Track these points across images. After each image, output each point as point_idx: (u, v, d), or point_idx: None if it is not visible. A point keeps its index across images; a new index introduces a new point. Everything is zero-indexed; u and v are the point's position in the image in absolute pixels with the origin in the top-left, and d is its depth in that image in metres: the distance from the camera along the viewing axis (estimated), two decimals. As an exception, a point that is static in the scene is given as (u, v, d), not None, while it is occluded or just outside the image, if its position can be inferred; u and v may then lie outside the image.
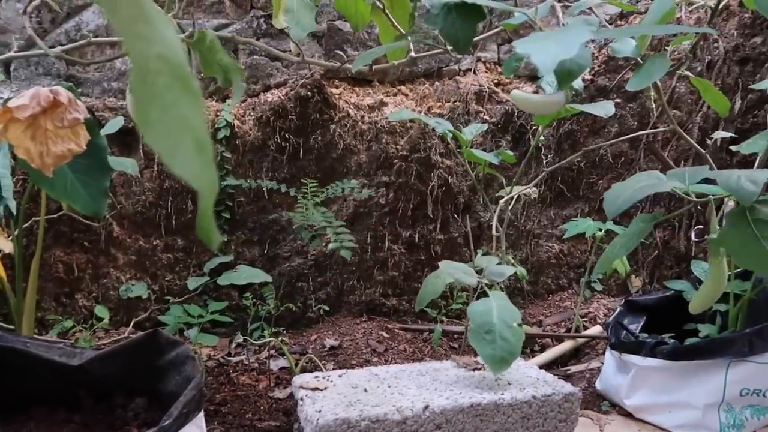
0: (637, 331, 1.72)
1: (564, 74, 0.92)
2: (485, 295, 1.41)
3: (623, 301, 1.80)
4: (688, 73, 1.50)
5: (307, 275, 2.26)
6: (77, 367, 1.32)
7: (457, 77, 2.43)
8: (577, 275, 2.47)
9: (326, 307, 2.26)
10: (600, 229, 1.96)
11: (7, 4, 2.05)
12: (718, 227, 1.26)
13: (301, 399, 1.30)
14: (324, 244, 1.75)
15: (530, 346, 2.14)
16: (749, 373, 1.40)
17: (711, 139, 1.68)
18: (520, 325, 1.33)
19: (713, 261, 1.26)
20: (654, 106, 1.52)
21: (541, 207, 2.42)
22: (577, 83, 1.64)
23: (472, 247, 2.01)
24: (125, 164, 1.91)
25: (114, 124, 2.02)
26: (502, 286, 2.33)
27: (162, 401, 1.36)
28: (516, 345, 1.30)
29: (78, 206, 1.33)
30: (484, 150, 2.16)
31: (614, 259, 1.35)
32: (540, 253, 2.43)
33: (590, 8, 1.32)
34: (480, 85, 2.35)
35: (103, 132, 1.65)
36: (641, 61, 1.26)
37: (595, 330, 2.06)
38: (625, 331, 1.62)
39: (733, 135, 1.63)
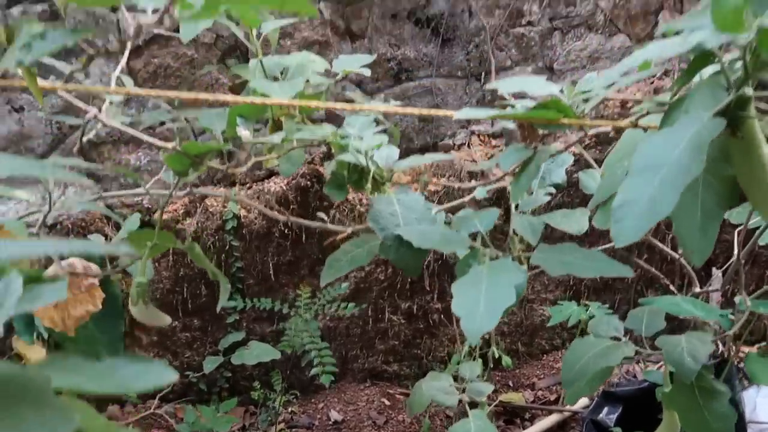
0: (613, 423, 1.86)
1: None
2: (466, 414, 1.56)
3: (601, 391, 1.93)
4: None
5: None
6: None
7: (453, 151, 2.53)
8: (571, 336, 2.60)
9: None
10: (584, 315, 2.07)
11: (29, 113, 2.23)
12: (670, 383, 1.37)
13: None
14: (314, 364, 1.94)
15: (521, 415, 2.30)
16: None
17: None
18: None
19: (666, 411, 1.38)
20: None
21: (535, 273, 2.54)
22: (560, 176, 1.73)
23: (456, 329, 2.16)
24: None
25: (132, 222, 2.21)
26: (498, 342, 2.47)
27: None
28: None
29: (99, 352, 1.52)
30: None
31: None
32: (534, 317, 2.56)
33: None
34: (473, 160, 2.46)
35: (123, 231, 1.84)
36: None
37: (581, 403, 2.20)
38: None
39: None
